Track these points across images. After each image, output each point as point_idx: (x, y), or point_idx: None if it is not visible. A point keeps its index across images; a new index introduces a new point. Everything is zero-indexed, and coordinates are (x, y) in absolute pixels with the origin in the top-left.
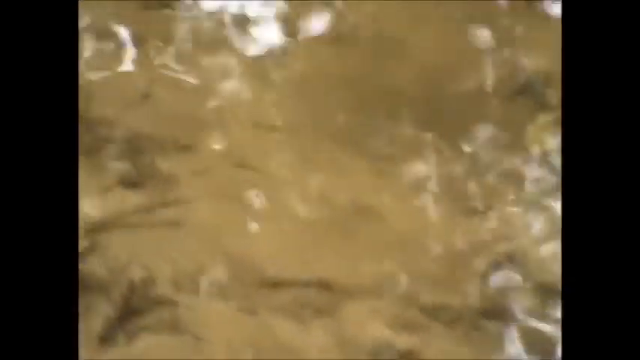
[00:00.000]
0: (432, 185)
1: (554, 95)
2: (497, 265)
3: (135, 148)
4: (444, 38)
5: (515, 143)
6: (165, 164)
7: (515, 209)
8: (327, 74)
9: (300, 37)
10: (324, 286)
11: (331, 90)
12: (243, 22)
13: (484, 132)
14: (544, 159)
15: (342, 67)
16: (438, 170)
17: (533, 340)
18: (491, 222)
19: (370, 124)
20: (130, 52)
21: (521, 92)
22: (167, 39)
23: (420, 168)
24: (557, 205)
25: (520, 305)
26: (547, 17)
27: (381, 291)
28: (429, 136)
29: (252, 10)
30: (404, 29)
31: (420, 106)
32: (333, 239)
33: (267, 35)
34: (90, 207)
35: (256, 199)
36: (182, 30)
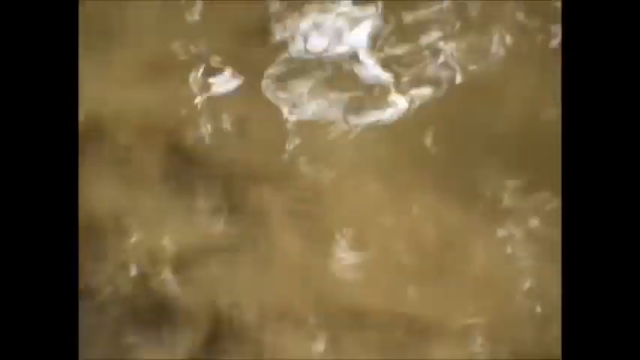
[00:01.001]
0: (522, 234)
1: None
2: None
3: (227, 177)
4: None
5: None
6: (256, 197)
7: None
8: None
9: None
10: (411, 324)
11: None
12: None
13: None
14: None
15: None
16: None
17: None
18: None
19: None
20: None
21: None
22: None
23: None
24: None
25: None
26: None
27: (468, 332)
28: None
29: None
30: None
31: None
32: (422, 277)
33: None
34: (178, 235)
35: (345, 236)
36: None
